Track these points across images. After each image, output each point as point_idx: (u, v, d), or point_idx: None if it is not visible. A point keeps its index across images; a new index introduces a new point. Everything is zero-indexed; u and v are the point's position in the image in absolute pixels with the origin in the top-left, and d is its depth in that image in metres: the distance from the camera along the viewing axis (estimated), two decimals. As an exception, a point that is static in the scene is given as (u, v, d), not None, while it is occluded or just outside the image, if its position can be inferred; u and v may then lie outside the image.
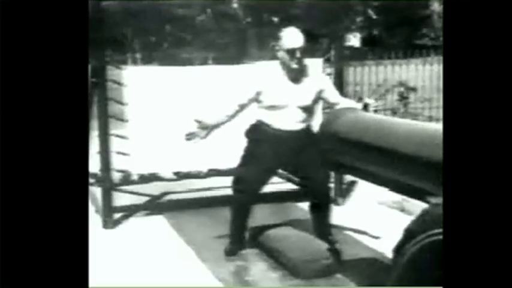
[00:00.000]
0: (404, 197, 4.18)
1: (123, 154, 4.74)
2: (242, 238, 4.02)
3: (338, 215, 4.70)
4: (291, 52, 3.62)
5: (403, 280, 2.18)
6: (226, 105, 3.84)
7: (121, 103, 4.86)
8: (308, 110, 3.78)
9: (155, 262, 3.89)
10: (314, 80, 3.80)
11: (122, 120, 4.84)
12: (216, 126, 3.81)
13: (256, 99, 3.76)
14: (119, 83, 4.88)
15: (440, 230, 1.94)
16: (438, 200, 2.10)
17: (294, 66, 3.65)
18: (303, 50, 3.64)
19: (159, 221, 4.82)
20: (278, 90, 3.70)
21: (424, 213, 2.15)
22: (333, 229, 4.06)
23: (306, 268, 3.61)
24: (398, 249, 2.19)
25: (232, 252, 3.98)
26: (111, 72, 4.80)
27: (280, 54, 3.68)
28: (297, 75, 3.72)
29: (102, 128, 4.64)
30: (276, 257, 3.82)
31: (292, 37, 3.64)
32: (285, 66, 3.69)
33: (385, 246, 3.21)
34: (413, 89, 9.87)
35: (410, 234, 2.15)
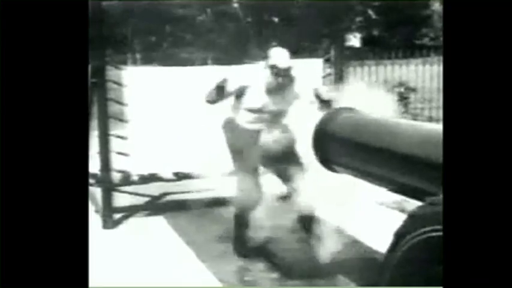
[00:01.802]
0: (404, 198, 4.18)
1: (123, 154, 4.74)
2: (246, 238, 4.03)
3: (337, 214, 4.71)
4: (278, 70, 3.78)
5: (396, 279, 2.19)
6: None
7: (121, 103, 4.86)
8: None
9: (155, 262, 3.89)
10: (297, 94, 3.94)
11: (122, 120, 4.84)
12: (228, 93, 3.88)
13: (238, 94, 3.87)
14: (119, 84, 4.88)
15: (429, 228, 1.96)
16: (429, 200, 2.12)
17: (280, 81, 3.81)
18: (290, 69, 3.83)
19: (159, 222, 4.82)
20: (258, 97, 3.85)
21: (413, 214, 2.16)
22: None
23: (299, 269, 3.62)
24: (390, 249, 2.20)
25: (240, 252, 4.00)
26: (111, 72, 4.80)
27: (268, 71, 3.82)
28: (280, 90, 3.86)
29: (102, 128, 4.64)
30: (270, 258, 3.84)
31: (279, 57, 3.81)
32: (271, 81, 3.83)
33: (385, 246, 3.21)
34: (413, 89, 9.87)
35: (400, 234, 2.16)
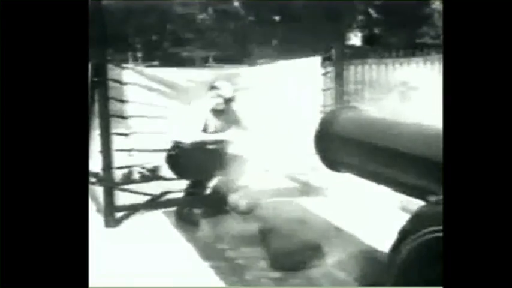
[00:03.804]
0: (406, 196, 4.18)
1: (125, 151, 4.76)
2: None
3: (338, 213, 4.71)
4: (224, 99, 4.70)
5: (400, 279, 2.18)
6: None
7: (122, 101, 4.87)
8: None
9: (157, 261, 3.88)
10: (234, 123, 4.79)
11: (124, 117, 4.85)
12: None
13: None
14: (120, 82, 4.89)
15: (434, 228, 1.95)
16: (433, 199, 2.11)
17: (223, 108, 4.73)
18: (233, 99, 4.75)
19: (161, 220, 4.82)
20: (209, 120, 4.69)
21: (418, 213, 2.15)
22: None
23: (286, 260, 3.67)
24: (394, 249, 2.20)
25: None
26: (112, 71, 4.81)
27: (215, 99, 4.70)
28: (224, 115, 4.74)
29: (103, 127, 4.64)
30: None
31: (225, 88, 4.74)
32: (216, 109, 4.71)
33: (387, 245, 3.22)
34: (415, 88, 9.85)
35: (404, 234, 2.15)
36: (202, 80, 5.05)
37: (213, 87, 4.76)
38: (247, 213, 4.77)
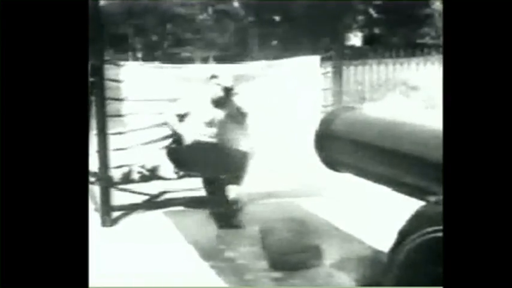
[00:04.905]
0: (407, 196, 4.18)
1: (122, 149, 4.77)
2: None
3: (338, 213, 4.71)
4: (225, 89, 4.65)
5: (400, 279, 2.18)
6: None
7: (119, 100, 4.88)
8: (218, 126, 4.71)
9: (155, 261, 3.88)
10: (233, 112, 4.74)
11: (120, 115, 4.86)
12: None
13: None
14: (117, 81, 4.90)
15: (434, 228, 1.95)
16: (432, 199, 2.11)
17: (223, 98, 4.66)
18: (233, 87, 4.69)
19: (159, 219, 4.82)
20: (207, 110, 4.67)
21: (418, 213, 2.15)
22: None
23: (283, 260, 3.68)
24: (394, 249, 2.20)
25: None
26: (110, 71, 4.81)
27: (216, 88, 4.65)
28: (225, 104, 4.70)
29: (100, 126, 4.64)
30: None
31: (224, 77, 4.69)
32: (216, 100, 4.67)
33: (386, 245, 3.22)
34: (415, 88, 9.88)
35: (404, 234, 2.15)
36: (202, 74, 5.03)
37: (212, 77, 4.71)
38: (239, 211, 4.74)
